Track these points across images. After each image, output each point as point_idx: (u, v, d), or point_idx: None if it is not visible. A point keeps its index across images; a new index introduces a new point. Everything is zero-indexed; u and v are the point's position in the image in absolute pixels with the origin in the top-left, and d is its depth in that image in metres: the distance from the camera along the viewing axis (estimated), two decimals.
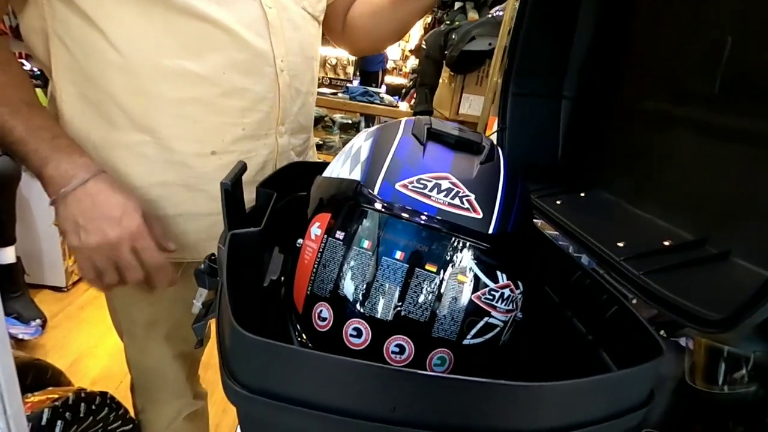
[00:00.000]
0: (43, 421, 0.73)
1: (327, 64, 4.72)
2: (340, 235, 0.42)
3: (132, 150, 0.64)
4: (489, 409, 0.29)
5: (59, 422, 0.75)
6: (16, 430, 0.47)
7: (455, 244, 0.40)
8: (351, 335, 0.40)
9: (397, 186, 0.41)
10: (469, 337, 0.40)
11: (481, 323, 0.40)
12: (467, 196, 0.41)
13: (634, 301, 0.45)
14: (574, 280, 0.49)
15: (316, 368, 0.29)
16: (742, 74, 0.46)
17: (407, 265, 0.39)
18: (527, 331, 0.46)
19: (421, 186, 0.40)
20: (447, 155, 0.44)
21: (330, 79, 4.40)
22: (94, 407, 0.83)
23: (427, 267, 0.39)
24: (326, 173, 0.50)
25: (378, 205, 0.40)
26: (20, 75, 0.61)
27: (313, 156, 0.91)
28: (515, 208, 0.43)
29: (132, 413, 0.93)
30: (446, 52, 2.35)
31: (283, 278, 0.50)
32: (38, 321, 1.79)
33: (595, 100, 0.69)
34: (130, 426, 0.91)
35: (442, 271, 0.39)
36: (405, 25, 0.88)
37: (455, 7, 2.84)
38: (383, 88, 4.63)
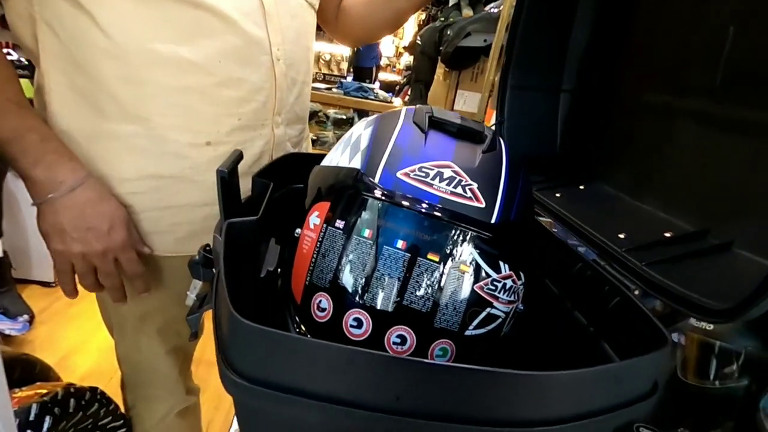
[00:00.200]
0: (31, 417, 0.71)
1: (321, 60, 4.70)
2: (339, 224, 0.41)
3: (123, 141, 0.63)
4: (495, 398, 0.28)
5: (48, 417, 0.73)
6: (2, 425, 0.45)
7: (458, 233, 0.39)
8: (351, 326, 0.39)
9: (399, 174, 0.40)
10: (471, 328, 0.39)
11: (483, 314, 0.40)
12: (470, 184, 0.40)
13: (636, 293, 0.45)
14: (574, 272, 0.48)
15: (318, 357, 0.29)
16: (745, 65, 0.45)
17: (409, 255, 0.38)
18: (528, 323, 0.45)
19: (423, 174, 0.40)
20: (449, 144, 0.43)
21: (324, 74, 4.38)
22: (83, 402, 0.82)
23: (429, 256, 0.38)
24: (325, 162, 0.49)
25: (379, 194, 0.40)
26: (7, 73, 0.60)
27: (308, 148, 0.89)
28: (517, 197, 0.43)
29: (122, 409, 0.92)
30: (441, 48, 2.34)
31: (279, 270, 0.49)
32: (26, 316, 1.75)
33: (594, 92, 0.69)
34: (121, 422, 0.89)
35: (444, 261, 0.38)
36: (400, 15, 0.87)
37: (450, 4, 2.83)
38: (377, 85, 4.62)
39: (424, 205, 0.38)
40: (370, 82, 4.29)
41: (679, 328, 0.75)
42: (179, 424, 0.87)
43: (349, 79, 3.61)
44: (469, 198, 0.39)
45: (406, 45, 5.01)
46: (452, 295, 0.38)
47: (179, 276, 0.73)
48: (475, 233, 0.39)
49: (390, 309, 0.38)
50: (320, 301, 0.41)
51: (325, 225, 0.42)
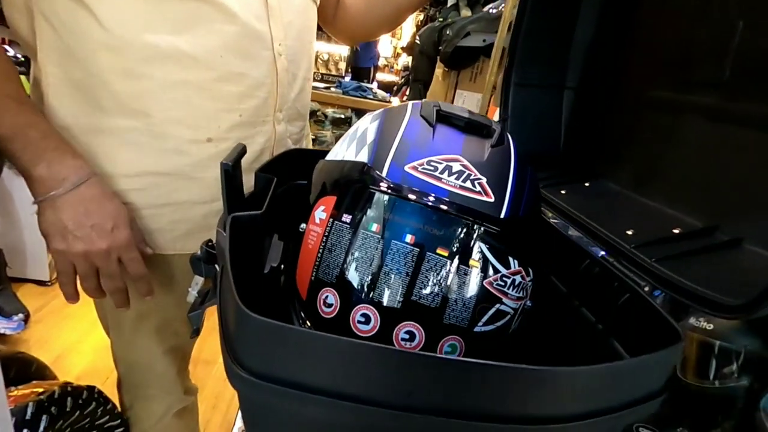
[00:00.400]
0: (28, 415, 0.70)
1: (319, 60, 4.69)
2: (346, 218, 0.40)
3: (121, 136, 0.62)
4: (511, 394, 0.28)
5: (44, 417, 0.72)
6: None
7: (467, 227, 0.38)
8: (359, 322, 0.39)
9: (407, 168, 0.39)
10: (480, 324, 0.39)
11: (493, 310, 0.39)
12: (479, 179, 0.39)
13: (647, 289, 0.44)
14: (582, 269, 0.48)
15: (329, 352, 0.28)
16: (754, 59, 0.45)
17: (418, 249, 0.38)
18: (536, 321, 0.45)
19: (432, 168, 0.39)
20: (457, 137, 0.42)
21: (322, 74, 4.37)
22: (81, 401, 0.81)
23: (439, 251, 0.38)
24: (329, 157, 0.49)
25: (387, 187, 0.39)
26: (7, 68, 0.58)
27: (309, 145, 0.89)
28: (526, 192, 0.42)
29: (120, 409, 0.91)
30: (440, 47, 2.34)
31: (282, 266, 0.48)
32: (21, 315, 1.74)
33: (599, 89, 0.68)
34: (118, 421, 0.88)
35: (453, 256, 0.38)
36: (400, 12, 0.87)
37: (448, 4, 2.83)
38: (375, 85, 4.61)
39: (433, 199, 0.38)
40: (368, 82, 4.28)
41: (681, 326, 0.75)
42: (177, 424, 0.86)
43: (347, 78, 3.61)
44: (478, 192, 0.39)
45: (404, 45, 5.02)
46: (461, 291, 0.38)
47: (177, 274, 0.72)
48: (484, 228, 0.39)
49: (398, 304, 0.38)
50: (327, 296, 0.40)
51: (331, 219, 0.41)
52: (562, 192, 0.62)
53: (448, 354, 0.39)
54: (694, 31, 0.51)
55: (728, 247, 0.43)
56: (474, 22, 2.25)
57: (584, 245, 0.50)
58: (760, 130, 0.44)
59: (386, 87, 4.78)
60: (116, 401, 0.91)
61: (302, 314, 0.42)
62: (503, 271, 0.39)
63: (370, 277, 0.38)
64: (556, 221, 0.58)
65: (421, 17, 3.60)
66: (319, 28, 0.86)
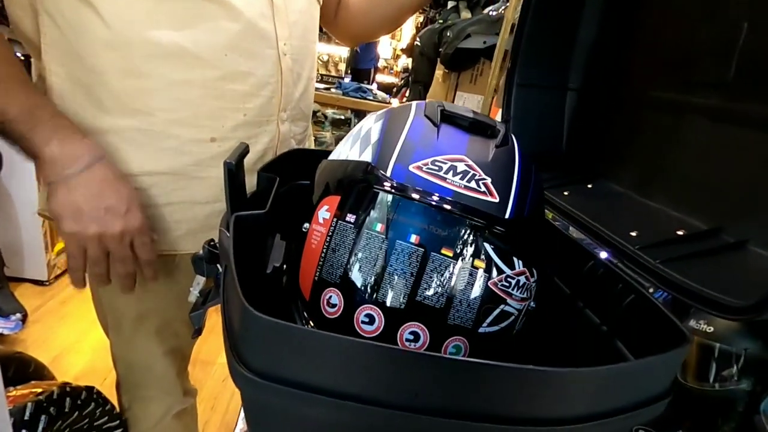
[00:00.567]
0: (26, 416, 0.69)
1: (319, 60, 4.67)
2: (350, 218, 0.40)
3: (123, 135, 0.61)
4: (518, 396, 0.27)
5: (43, 417, 0.72)
6: None
7: (472, 228, 0.38)
8: (363, 322, 0.38)
9: (411, 168, 0.39)
10: (484, 325, 0.39)
11: (497, 311, 0.39)
12: (484, 179, 0.39)
13: (651, 290, 0.44)
14: (586, 270, 0.48)
15: (334, 352, 0.28)
16: (759, 60, 0.45)
17: (422, 249, 0.37)
18: (539, 322, 0.44)
19: (437, 168, 0.39)
20: (462, 137, 0.42)
21: (322, 75, 4.37)
22: (79, 402, 0.80)
23: (443, 251, 0.38)
24: (333, 156, 0.49)
25: (391, 187, 0.39)
26: (8, 53, 0.58)
27: (311, 146, 0.89)
28: (530, 193, 0.42)
29: (118, 409, 0.90)
30: (441, 49, 2.34)
31: (285, 266, 0.48)
32: (18, 315, 1.73)
33: (601, 90, 0.68)
34: (117, 422, 0.87)
35: (458, 256, 0.38)
36: (402, 12, 0.87)
37: (448, 6, 2.84)
38: (374, 86, 4.61)
39: (438, 199, 0.38)
40: (368, 84, 4.28)
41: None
42: (176, 426, 0.86)
43: (347, 80, 3.60)
44: (483, 192, 0.39)
45: (404, 47, 5.02)
46: (466, 292, 0.38)
47: (179, 275, 0.71)
48: (488, 229, 0.39)
49: (403, 305, 0.38)
50: (330, 296, 0.40)
51: (335, 219, 0.41)
52: (565, 193, 0.61)
53: (453, 355, 0.38)
54: (699, 32, 0.51)
55: (733, 249, 0.43)
56: (474, 24, 2.25)
57: (587, 246, 0.50)
58: (764, 131, 0.44)
59: (386, 88, 4.78)
60: (115, 402, 0.90)
61: (305, 314, 0.42)
62: (508, 271, 0.39)
63: (374, 278, 0.38)
64: (558, 222, 0.58)
65: (421, 19, 3.61)
66: (319, 29, 0.86)
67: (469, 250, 0.38)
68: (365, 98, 3.03)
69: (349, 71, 5.10)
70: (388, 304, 0.38)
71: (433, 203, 0.38)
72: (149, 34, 0.57)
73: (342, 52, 5.14)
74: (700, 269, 0.41)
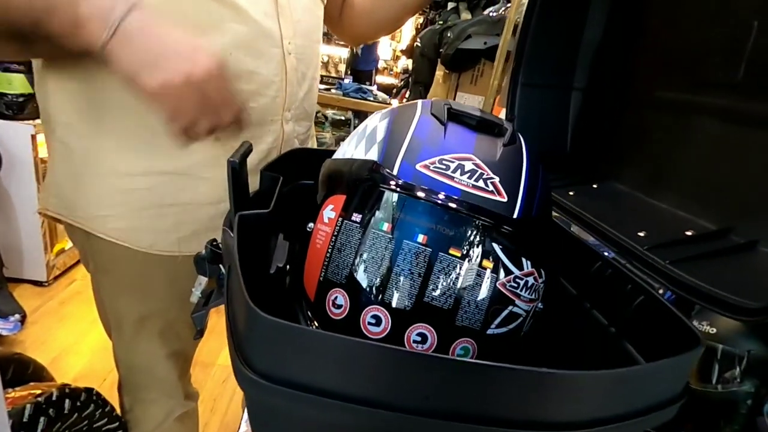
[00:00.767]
0: (25, 418, 0.69)
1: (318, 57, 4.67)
2: (356, 217, 0.39)
3: (126, 134, 0.60)
4: (530, 399, 0.27)
5: (42, 419, 0.71)
6: None
7: (480, 228, 0.38)
8: (369, 323, 0.38)
9: (418, 166, 0.39)
10: (493, 326, 0.38)
11: (505, 312, 0.38)
12: (492, 178, 0.39)
13: (660, 291, 0.44)
14: (593, 271, 0.47)
15: (342, 354, 0.27)
16: None
17: (429, 250, 0.37)
18: (547, 323, 0.44)
19: (444, 167, 0.38)
20: (469, 136, 0.42)
21: (322, 76, 4.37)
22: (79, 404, 0.79)
23: (451, 251, 0.37)
24: (337, 155, 0.48)
25: (398, 186, 0.38)
26: None
27: (314, 145, 0.88)
28: (538, 192, 0.41)
29: (118, 411, 0.89)
30: (441, 50, 2.34)
31: (288, 266, 0.47)
32: (17, 316, 1.72)
33: (607, 90, 0.68)
34: (117, 424, 0.86)
35: (466, 256, 0.37)
36: (405, 11, 0.86)
37: (448, 8, 2.84)
38: (374, 87, 4.60)
39: (445, 198, 0.37)
40: (369, 85, 4.28)
41: None
42: (177, 429, 0.85)
43: (347, 80, 3.59)
44: (491, 192, 0.38)
45: (404, 48, 5.02)
46: (474, 292, 0.37)
47: (181, 276, 0.70)
48: (497, 228, 0.38)
49: (410, 306, 0.37)
50: (336, 297, 0.39)
51: (340, 219, 0.40)
52: (570, 193, 0.61)
53: (461, 356, 0.38)
54: (707, 32, 0.51)
55: (743, 250, 0.42)
56: (475, 24, 2.25)
57: (594, 246, 0.49)
58: None
59: (385, 89, 4.78)
60: (114, 403, 0.89)
61: (310, 315, 0.41)
62: (516, 272, 0.39)
63: (380, 278, 0.38)
64: (562, 222, 0.58)
65: (421, 20, 3.61)
66: None
67: (477, 251, 0.37)
68: (365, 99, 3.02)
69: (348, 72, 5.10)
70: (394, 305, 0.37)
71: (441, 202, 0.37)
72: None
73: (342, 52, 5.14)
74: (710, 270, 0.41)
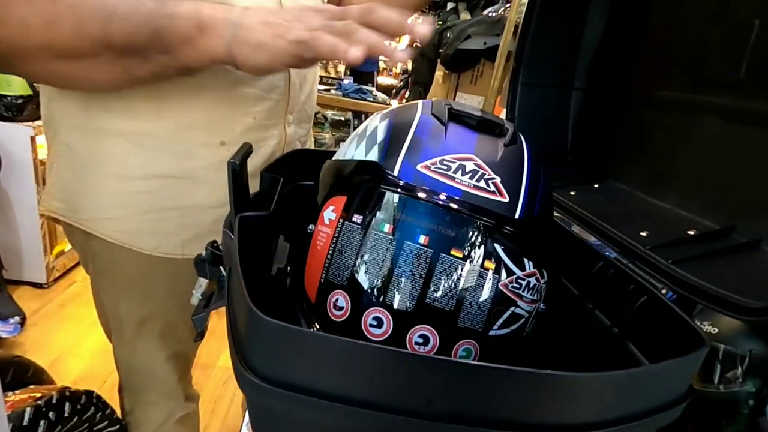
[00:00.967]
0: (25, 421, 0.68)
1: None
2: (357, 218, 0.39)
3: (132, 139, 0.60)
4: (534, 401, 0.26)
5: (42, 422, 0.71)
6: None
7: (481, 228, 0.37)
8: (371, 325, 0.37)
9: (419, 167, 0.38)
10: (495, 327, 0.38)
11: (508, 313, 0.38)
12: (493, 178, 0.38)
13: (663, 291, 0.43)
14: (595, 271, 0.47)
15: (344, 356, 0.27)
16: None
17: (431, 250, 0.37)
18: (549, 324, 0.44)
19: (445, 167, 0.38)
20: (470, 136, 0.41)
21: (321, 77, 4.37)
22: (79, 407, 0.79)
23: (453, 252, 0.37)
24: (337, 156, 0.48)
25: (399, 187, 0.38)
26: None
27: (312, 146, 0.88)
28: (540, 192, 0.41)
29: (118, 413, 0.89)
30: (441, 50, 2.34)
31: (289, 268, 0.47)
32: (17, 318, 1.72)
33: (607, 90, 0.67)
34: (117, 426, 0.86)
35: (468, 257, 0.37)
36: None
37: (447, 8, 2.84)
38: (374, 88, 4.60)
39: (447, 199, 0.37)
40: (372, 86, 4.27)
41: None
42: (178, 431, 0.85)
43: (347, 81, 3.59)
44: (493, 192, 0.38)
45: (403, 48, 5.00)
46: (476, 293, 0.37)
47: (183, 279, 0.70)
48: (498, 229, 0.38)
49: (412, 307, 0.37)
50: (337, 299, 0.39)
51: (341, 220, 0.40)
52: (572, 193, 0.61)
53: (463, 358, 0.37)
54: (708, 30, 0.51)
55: (746, 249, 0.42)
56: (474, 25, 2.25)
57: (596, 246, 0.49)
58: None
59: (385, 90, 4.77)
60: (114, 405, 0.89)
61: (311, 317, 0.41)
62: (518, 273, 0.38)
63: (382, 279, 0.37)
64: (564, 222, 0.57)
65: (420, 21, 3.60)
66: None
67: (479, 251, 0.37)
68: (365, 99, 3.02)
69: (348, 72, 5.09)
70: (396, 306, 0.37)
71: (442, 203, 0.37)
72: None
73: None
74: (713, 269, 0.41)
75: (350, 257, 0.39)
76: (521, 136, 0.45)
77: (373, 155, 0.41)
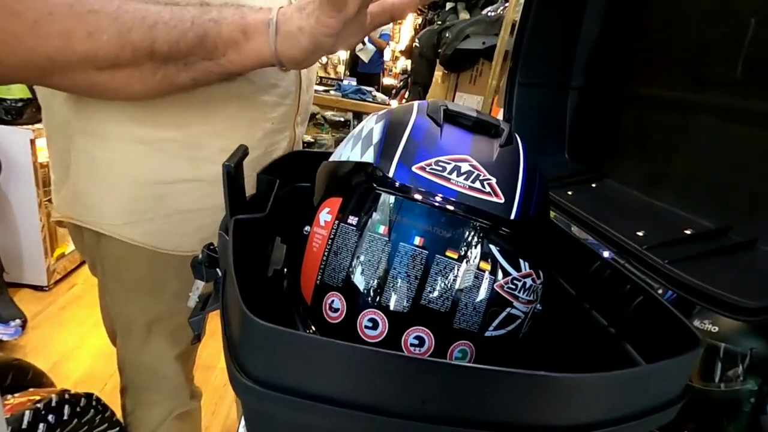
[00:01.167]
0: (24, 424, 0.68)
1: (318, 62, 4.67)
2: (352, 220, 0.39)
3: (156, 146, 0.61)
4: (529, 403, 0.26)
5: (41, 425, 0.70)
6: None
7: (477, 229, 0.37)
8: (366, 327, 0.37)
9: (414, 168, 0.38)
10: (491, 328, 0.38)
11: (504, 314, 0.38)
12: (488, 179, 0.38)
13: (660, 291, 0.43)
14: (592, 271, 0.47)
15: (338, 359, 0.27)
16: (767, 57, 0.44)
17: (426, 252, 0.37)
18: (545, 325, 0.44)
19: (440, 168, 0.38)
20: (465, 137, 0.41)
21: (321, 77, 4.37)
22: (78, 409, 0.79)
23: (448, 254, 0.37)
24: (333, 158, 0.48)
25: (394, 188, 0.38)
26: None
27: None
28: (536, 193, 0.41)
29: (118, 415, 0.89)
30: (440, 50, 2.34)
31: (286, 269, 0.47)
32: (18, 321, 1.72)
33: (604, 89, 0.67)
34: (117, 429, 0.86)
35: (463, 258, 0.37)
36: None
37: (446, 8, 2.84)
38: (373, 88, 4.60)
39: (442, 200, 0.37)
40: (378, 88, 4.27)
41: None
42: (179, 426, 0.85)
43: (346, 82, 3.59)
44: (488, 193, 0.38)
45: (402, 49, 5.02)
46: (472, 294, 0.37)
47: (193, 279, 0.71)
48: (494, 230, 0.38)
49: (407, 309, 0.37)
50: (332, 301, 0.39)
51: (336, 222, 0.40)
52: (569, 193, 0.61)
53: (459, 360, 0.37)
54: (705, 29, 0.50)
55: (743, 248, 0.42)
56: (473, 24, 2.25)
57: (593, 246, 0.49)
58: None
59: (385, 90, 4.78)
60: (115, 407, 0.89)
61: (307, 320, 0.41)
62: (514, 273, 0.38)
63: (377, 281, 0.37)
64: (561, 222, 0.57)
65: (420, 21, 3.61)
66: None
67: (474, 252, 0.37)
68: (365, 100, 3.02)
69: (347, 73, 5.10)
70: (391, 308, 0.37)
71: (437, 204, 0.37)
72: None
73: (341, 54, 5.14)
74: (710, 269, 0.40)
75: (345, 259, 0.38)
76: (517, 136, 0.45)
77: (369, 157, 0.41)
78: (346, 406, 0.27)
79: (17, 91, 1.79)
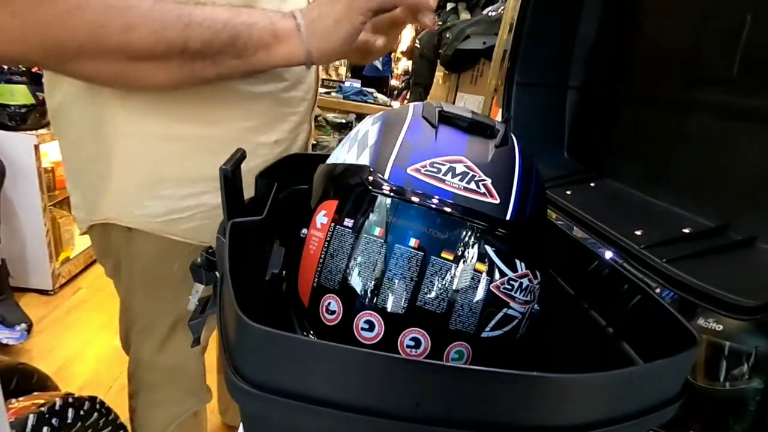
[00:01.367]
0: (28, 428, 0.69)
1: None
2: (348, 222, 0.39)
3: (193, 143, 0.63)
4: (525, 404, 0.26)
5: (45, 428, 0.71)
6: None
7: (472, 230, 0.37)
8: (362, 329, 0.37)
9: (409, 170, 0.38)
10: (487, 329, 0.38)
11: (500, 315, 0.38)
12: (483, 180, 0.38)
13: (658, 291, 0.43)
14: (590, 271, 0.47)
15: (332, 362, 0.27)
16: (764, 54, 0.44)
17: (422, 253, 0.37)
18: (543, 325, 0.43)
19: (435, 170, 0.38)
20: (460, 138, 0.41)
21: (322, 79, 4.38)
22: (82, 413, 0.79)
23: (443, 255, 0.37)
24: (330, 160, 0.48)
25: (389, 190, 0.38)
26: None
27: None
28: (531, 193, 0.41)
29: (122, 419, 0.89)
30: (440, 50, 2.34)
31: (284, 272, 0.47)
32: (23, 325, 1.73)
33: (602, 88, 0.67)
34: None
35: (459, 260, 0.37)
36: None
37: (447, 8, 2.84)
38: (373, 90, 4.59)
39: (437, 202, 0.37)
40: (386, 91, 4.28)
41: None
42: (192, 423, 0.86)
43: (348, 84, 3.60)
44: (483, 194, 0.38)
45: (404, 50, 5.02)
46: (468, 295, 0.37)
47: None
48: (489, 231, 0.38)
49: (403, 310, 0.37)
50: (329, 303, 0.39)
51: (333, 224, 0.40)
52: (568, 192, 0.61)
53: (455, 361, 0.37)
54: (701, 27, 0.50)
55: (741, 247, 0.42)
56: (473, 24, 2.25)
57: (591, 246, 0.49)
58: None
59: (391, 92, 4.77)
60: (120, 410, 0.89)
61: (304, 322, 0.41)
62: (510, 274, 0.38)
63: (373, 283, 0.37)
64: (560, 222, 0.57)
65: None
66: None
67: (470, 253, 0.37)
68: (366, 101, 3.02)
69: (348, 74, 5.10)
70: (388, 309, 0.37)
71: (432, 206, 0.37)
72: None
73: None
74: (708, 268, 0.40)
75: (342, 261, 0.39)
76: (513, 136, 0.45)
77: (365, 159, 0.41)
78: (342, 408, 0.27)
79: (21, 97, 1.81)
